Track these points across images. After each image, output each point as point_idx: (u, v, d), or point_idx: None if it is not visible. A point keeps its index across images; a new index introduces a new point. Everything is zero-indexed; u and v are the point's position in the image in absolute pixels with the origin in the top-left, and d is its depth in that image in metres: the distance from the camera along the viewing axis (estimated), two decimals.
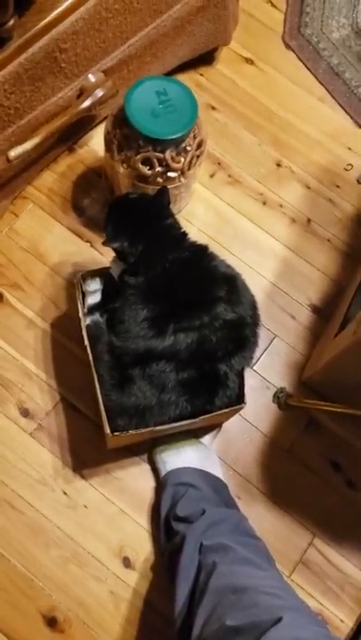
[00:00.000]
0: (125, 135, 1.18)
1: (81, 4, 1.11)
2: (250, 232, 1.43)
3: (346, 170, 1.52)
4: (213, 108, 1.54)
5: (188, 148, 1.20)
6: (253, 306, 1.08)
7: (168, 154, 1.17)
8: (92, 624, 1.11)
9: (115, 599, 1.13)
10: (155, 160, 1.18)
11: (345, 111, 1.59)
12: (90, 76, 1.21)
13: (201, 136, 1.23)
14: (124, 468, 1.20)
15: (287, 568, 1.18)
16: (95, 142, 1.44)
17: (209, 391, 1.04)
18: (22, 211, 1.37)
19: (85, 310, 1.13)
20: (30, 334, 1.28)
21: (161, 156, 1.17)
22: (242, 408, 1.07)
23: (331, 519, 1.22)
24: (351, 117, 1.58)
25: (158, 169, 1.19)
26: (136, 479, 1.20)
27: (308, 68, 1.62)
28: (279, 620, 0.72)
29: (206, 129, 1.26)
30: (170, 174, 1.21)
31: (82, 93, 1.21)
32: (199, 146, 1.23)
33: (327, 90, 1.60)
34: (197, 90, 1.53)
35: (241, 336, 1.04)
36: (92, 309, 1.13)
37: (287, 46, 1.64)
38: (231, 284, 1.05)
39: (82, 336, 1.09)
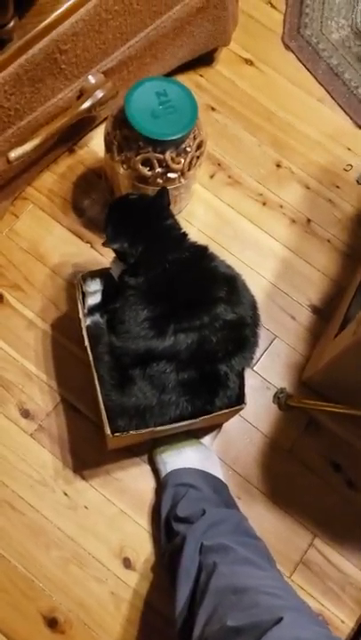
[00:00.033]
0: (125, 136, 1.18)
1: (81, 5, 1.11)
2: (250, 232, 1.43)
3: (345, 170, 1.52)
4: (213, 108, 1.54)
5: (188, 149, 1.20)
6: (253, 306, 1.08)
7: (168, 155, 1.17)
8: (93, 625, 1.11)
9: (115, 600, 1.13)
10: (155, 161, 1.18)
11: (344, 112, 1.59)
12: (90, 77, 1.21)
13: (201, 137, 1.23)
14: (124, 469, 1.20)
15: (288, 568, 1.18)
16: (95, 143, 1.44)
17: (209, 392, 1.04)
18: (22, 212, 1.37)
19: (86, 311, 1.13)
20: (30, 335, 1.28)
21: (161, 156, 1.17)
22: (242, 408, 1.07)
23: (331, 519, 1.22)
24: (351, 118, 1.58)
25: (158, 170, 1.19)
26: (136, 480, 1.20)
27: (308, 69, 1.62)
28: (280, 620, 0.72)
29: (206, 130, 1.26)
30: (170, 175, 1.21)
31: (82, 94, 1.22)
32: (199, 147, 1.23)
33: (327, 90, 1.60)
34: (197, 91, 1.53)
35: (241, 336, 1.05)
36: (92, 310, 1.13)
37: (287, 47, 1.64)
38: (231, 285, 1.05)
39: (82, 337, 1.09)
